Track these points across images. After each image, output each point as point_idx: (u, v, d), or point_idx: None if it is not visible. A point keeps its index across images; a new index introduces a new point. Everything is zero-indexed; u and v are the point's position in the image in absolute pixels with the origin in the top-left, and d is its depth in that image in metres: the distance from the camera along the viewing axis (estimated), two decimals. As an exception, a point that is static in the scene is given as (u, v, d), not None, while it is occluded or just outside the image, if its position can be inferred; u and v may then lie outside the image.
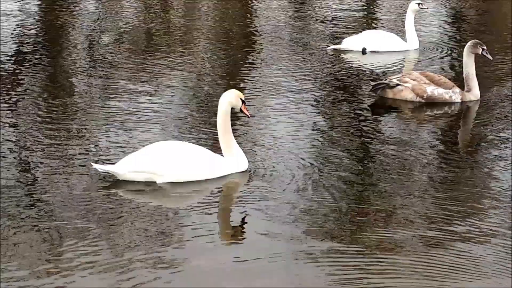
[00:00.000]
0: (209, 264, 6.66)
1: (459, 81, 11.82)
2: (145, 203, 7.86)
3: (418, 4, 14.40)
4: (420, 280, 6.45)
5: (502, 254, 6.91)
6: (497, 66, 13.27)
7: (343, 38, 14.70)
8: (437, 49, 14.70)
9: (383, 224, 7.45)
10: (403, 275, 6.53)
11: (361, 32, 14.94)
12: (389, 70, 13.36)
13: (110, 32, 16.10)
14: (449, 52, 14.39)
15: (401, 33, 14.92)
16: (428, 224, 7.48)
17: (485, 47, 11.44)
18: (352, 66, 13.57)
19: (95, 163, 8.35)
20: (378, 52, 14.30)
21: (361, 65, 13.68)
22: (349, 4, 19.27)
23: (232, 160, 8.53)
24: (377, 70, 13.42)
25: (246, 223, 7.55)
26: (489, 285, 6.42)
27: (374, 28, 16.41)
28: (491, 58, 11.60)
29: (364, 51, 14.24)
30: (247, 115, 8.80)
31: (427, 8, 15.27)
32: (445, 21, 17.80)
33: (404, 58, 14.33)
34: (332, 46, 14.49)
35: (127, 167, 8.19)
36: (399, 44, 14.46)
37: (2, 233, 7.06)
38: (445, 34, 16.36)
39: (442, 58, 14.17)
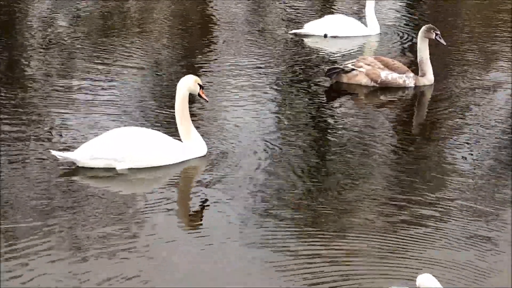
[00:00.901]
0: (170, 251, 6.76)
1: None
2: (105, 189, 7.91)
3: None
4: (371, 260, 6.64)
5: (455, 230, 7.13)
6: (452, 51, 13.49)
7: (304, 23, 14.82)
8: (397, 34, 14.88)
9: (336, 202, 7.65)
10: (355, 254, 6.72)
11: (322, 16, 15.09)
12: (349, 55, 13.50)
13: (65, 16, 15.98)
14: (410, 37, 14.56)
15: (360, 18, 15.10)
16: (376, 207, 7.67)
17: (438, 32, 11.62)
18: (312, 51, 13.70)
19: (54, 149, 8.37)
20: (339, 37, 14.46)
21: (321, 50, 13.82)
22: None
23: (191, 145, 8.62)
24: (337, 55, 13.56)
25: (205, 207, 7.66)
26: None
27: (334, 13, 16.53)
28: (444, 43, 11.79)
29: (325, 36, 14.39)
30: (206, 99, 8.89)
31: None
32: (406, 6, 17.99)
33: (365, 43, 14.50)
34: (293, 31, 14.61)
35: (86, 154, 8.22)
36: (360, 29, 14.64)
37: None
38: (406, 19, 16.55)
39: (403, 43, 14.35)
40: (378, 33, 14.69)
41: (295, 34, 14.48)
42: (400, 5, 17.86)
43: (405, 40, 14.51)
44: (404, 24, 15.96)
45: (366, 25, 14.69)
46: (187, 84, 8.63)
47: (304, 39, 14.29)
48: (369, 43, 14.51)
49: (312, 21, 14.83)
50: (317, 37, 14.37)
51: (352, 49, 14.01)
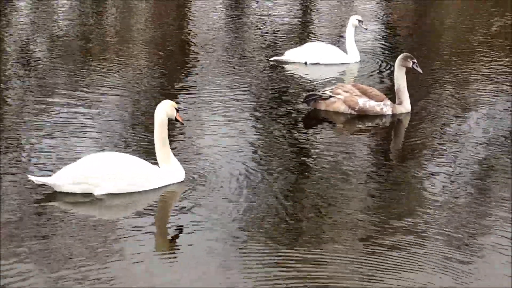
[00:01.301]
0: (144, 278, 6.74)
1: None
2: (82, 215, 7.87)
3: (358, 20, 14.77)
4: (351, 276, 6.67)
5: (432, 254, 7.17)
6: (429, 79, 13.62)
7: (285, 50, 14.90)
8: (377, 62, 15.00)
9: (314, 227, 7.67)
10: (338, 272, 6.74)
11: (303, 44, 15.20)
12: (329, 82, 13.57)
13: (43, 37, 15.99)
14: (389, 65, 14.66)
15: (339, 46, 15.22)
16: (353, 231, 7.69)
17: (415, 61, 11.72)
18: (292, 78, 13.77)
19: (31, 174, 8.33)
20: (319, 64, 14.57)
21: (301, 77, 13.90)
22: (287, 15, 19.53)
23: (169, 170, 8.62)
24: (316, 82, 13.64)
25: (183, 232, 7.65)
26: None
27: (312, 39, 16.64)
28: (421, 71, 11.87)
29: (306, 63, 14.49)
30: (182, 122, 8.93)
31: (366, 28, 15.55)
32: (385, 33, 18.15)
33: (345, 71, 14.61)
34: (274, 58, 14.70)
35: (64, 179, 8.20)
36: (340, 57, 14.76)
37: None
38: (385, 46, 16.68)
39: (382, 70, 14.44)
40: (358, 60, 14.81)
41: (275, 61, 14.56)
42: (379, 32, 18.02)
43: (384, 67, 14.63)
44: (383, 51, 16.10)
45: (346, 53, 14.81)
46: (165, 109, 8.65)
47: (284, 66, 14.37)
48: (349, 71, 14.62)
49: (293, 48, 14.93)
50: (298, 64, 14.46)
51: (332, 77, 14.10)
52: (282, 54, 14.80)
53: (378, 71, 14.42)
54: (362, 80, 13.59)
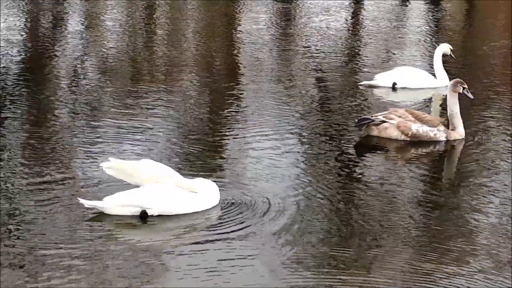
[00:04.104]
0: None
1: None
2: (130, 238, 7.88)
3: (450, 49, 14.63)
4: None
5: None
6: (482, 104, 13.38)
7: (374, 74, 14.75)
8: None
9: (365, 263, 7.51)
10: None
11: (392, 68, 15.09)
12: (421, 106, 13.39)
13: (93, 60, 16.18)
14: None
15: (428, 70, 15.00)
16: (409, 264, 7.53)
17: (466, 86, 11.57)
18: (381, 101, 13.59)
19: (81, 197, 8.38)
20: (408, 88, 14.42)
21: (388, 100, 13.73)
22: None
23: (206, 195, 8.55)
24: (405, 104, 13.46)
25: (230, 258, 7.56)
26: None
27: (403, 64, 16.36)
28: (471, 97, 11.70)
29: (394, 86, 14.37)
30: None
31: (455, 58, 15.28)
32: (472, 60, 17.78)
33: (433, 95, 14.40)
34: (364, 82, 14.57)
35: (114, 201, 8.23)
36: (430, 81, 14.58)
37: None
38: (471, 70, 16.35)
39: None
40: (447, 85, 14.43)
41: (366, 85, 14.43)
42: (467, 58, 17.65)
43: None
44: (467, 73, 15.72)
45: (435, 77, 14.63)
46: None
47: (374, 90, 14.25)
48: (438, 95, 14.35)
49: (382, 72, 14.81)
50: (387, 88, 14.33)
51: (421, 101, 13.89)
52: (372, 78, 14.63)
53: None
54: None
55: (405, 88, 14.48)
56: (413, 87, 14.53)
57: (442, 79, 14.58)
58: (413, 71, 14.84)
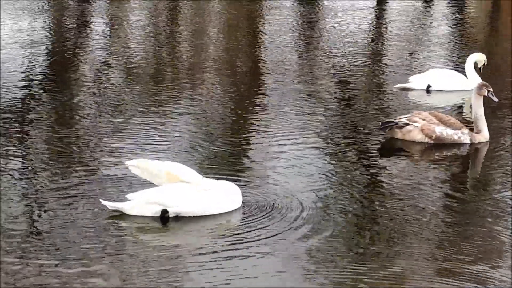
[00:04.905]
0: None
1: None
2: (152, 240, 7.90)
3: (484, 61, 14.52)
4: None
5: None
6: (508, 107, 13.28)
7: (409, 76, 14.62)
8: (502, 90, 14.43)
9: (386, 261, 7.50)
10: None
11: (426, 70, 14.99)
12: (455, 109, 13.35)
13: (117, 61, 16.25)
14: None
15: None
16: (435, 267, 7.48)
17: (491, 89, 11.50)
18: (415, 104, 13.53)
19: (104, 197, 8.41)
20: (442, 90, 14.31)
21: (424, 103, 13.63)
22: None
23: (231, 196, 8.54)
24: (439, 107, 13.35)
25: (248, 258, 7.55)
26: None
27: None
28: (496, 100, 11.64)
29: (428, 88, 14.25)
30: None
31: (484, 65, 14.87)
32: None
33: (467, 97, 14.25)
34: (399, 85, 14.46)
35: (136, 198, 8.27)
36: (464, 83, 14.39)
37: (5, 268, 7.09)
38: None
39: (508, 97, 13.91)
40: None
41: (399, 88, 14.30)
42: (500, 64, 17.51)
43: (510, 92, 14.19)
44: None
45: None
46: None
47: (408, 92, 14.16)
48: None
49: (416, 74, 14.71)
50: (420, 91, 14.23)
51: (454, 103, 13.83)
52: (407, 81, 14.50)
53: (504, 99, 13.69)
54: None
55: (440, 90, 14.32)
56: (448, 89, 14.40)
57: (475, 81, 14.32)
58: (448, 73, 14.70)
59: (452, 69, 15.29)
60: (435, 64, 16.42)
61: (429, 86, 14.30)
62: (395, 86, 14.43)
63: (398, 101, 13.71)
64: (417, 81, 14.40)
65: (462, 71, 14.79)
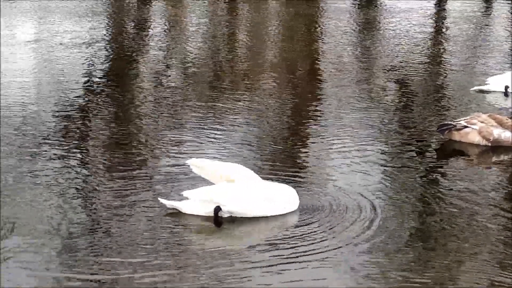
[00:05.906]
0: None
1: None
2: (206, 240, 8.01)
3: None
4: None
5: None
6: None
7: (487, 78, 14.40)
8: None
9: (446, 269, 7.44)
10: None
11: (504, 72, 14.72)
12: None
13: (176, 62, 16.43)
14: None
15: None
16: (497, 271, 7.42)
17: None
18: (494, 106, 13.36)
19: (162, 196, 8.55)
20: None
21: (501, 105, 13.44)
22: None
23: (285, 198, 8.57)
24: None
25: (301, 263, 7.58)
26: None
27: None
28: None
29: (506, 90, 13.96)
30: None
31: None
32: None
33: None
34: (476, 87, 14.28)
35: (191, 196, 8.36)
36: None
37: (63, 265, 7.27)
38: None
39: None
40: None
41: (476, 90, 14.08)
42: None
43: None
44: None
45: None
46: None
47: (486, 95, 13.94)
48: None
49: (495, 75, 14.47)
50: (499, 93, 13.98)
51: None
52: (485, 83, 14.26)
53: None
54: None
55: None
56: None
57: None
58: None
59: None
60: (496, 66, 16.18)
61: (506, 88, 13.97)
62: (472, 89, 14.21)
63: (474, 103, 13.43)
64: (495, 83, 14.09)
65: None
